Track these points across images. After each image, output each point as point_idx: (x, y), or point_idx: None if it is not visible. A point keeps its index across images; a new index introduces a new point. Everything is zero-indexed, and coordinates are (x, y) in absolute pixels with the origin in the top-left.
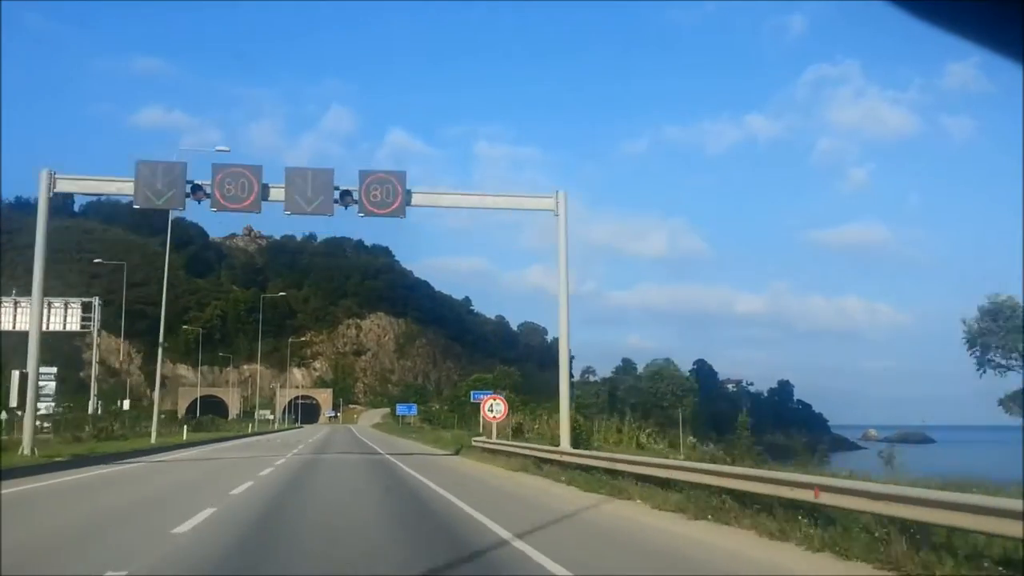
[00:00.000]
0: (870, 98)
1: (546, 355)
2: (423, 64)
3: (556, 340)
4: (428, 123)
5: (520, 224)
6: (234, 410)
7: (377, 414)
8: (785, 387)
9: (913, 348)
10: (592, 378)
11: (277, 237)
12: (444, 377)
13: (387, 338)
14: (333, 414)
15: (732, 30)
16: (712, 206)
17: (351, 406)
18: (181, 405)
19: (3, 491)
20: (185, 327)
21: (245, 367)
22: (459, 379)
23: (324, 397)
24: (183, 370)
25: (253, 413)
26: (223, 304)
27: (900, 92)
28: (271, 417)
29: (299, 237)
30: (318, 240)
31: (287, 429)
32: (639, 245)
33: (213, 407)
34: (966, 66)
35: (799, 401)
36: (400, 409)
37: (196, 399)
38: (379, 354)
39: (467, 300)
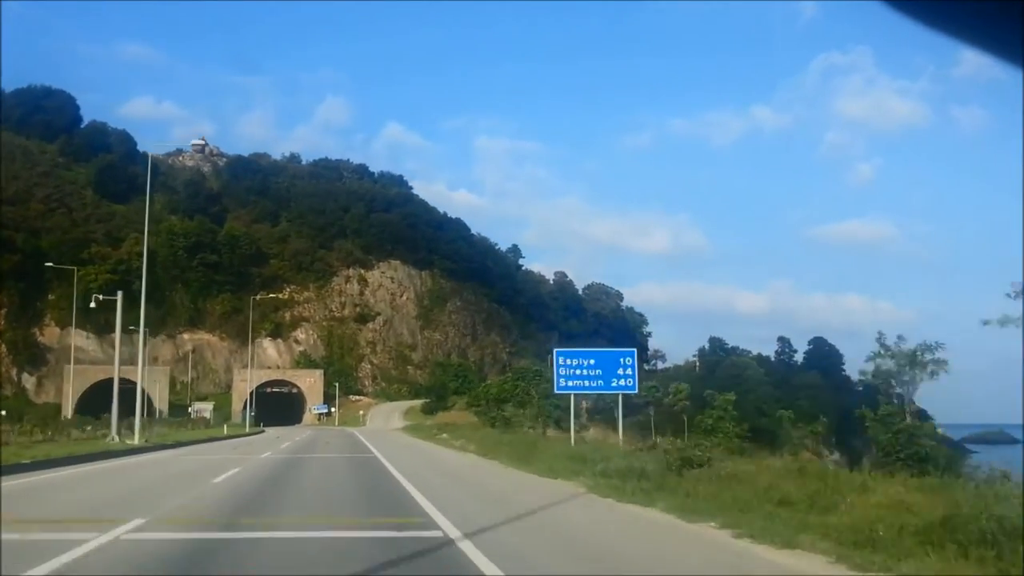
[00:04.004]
0: (880, 88)
1: (620, 327)
2: (420, 55)
3: (630, 309)
4: (425, 116)
5: (521, 221)
6: (161, 403)
7: (395, 410)
8: None
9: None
10: (662, 364)
11: (245, 156)
12: (489, 356)
13: (405, 298)
14: (324, 409)
15: (741, 17)
16: (715, 201)
17: (353, 397)
18: (72, 392)
19: None
20: (83, 269)
21: (186, 336)
22: (509, 357)
23: (311, 382)
24: (79, 339)
25: (202, 406)
26: (152, 239)
27: (911, 82)
28: (208, 415)
29: (276, 157)
30: (303, 163)
31: (222, 438)
32: (641, 241)
33: (128, 397)
34: (976, 54)
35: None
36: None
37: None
38: (394, 321)
39: (515, 250)
